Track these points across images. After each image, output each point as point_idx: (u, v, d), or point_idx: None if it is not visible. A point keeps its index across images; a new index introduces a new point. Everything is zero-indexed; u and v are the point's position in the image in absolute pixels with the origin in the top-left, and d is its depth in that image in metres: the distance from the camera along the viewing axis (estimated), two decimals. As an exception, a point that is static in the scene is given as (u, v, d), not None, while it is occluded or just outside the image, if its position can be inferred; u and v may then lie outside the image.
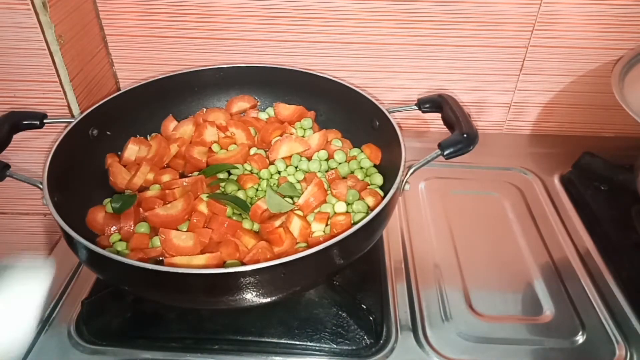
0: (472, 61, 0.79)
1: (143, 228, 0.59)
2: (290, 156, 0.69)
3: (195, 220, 0.59)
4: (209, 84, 0.75)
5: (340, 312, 0.57)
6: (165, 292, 0.51)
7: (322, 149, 0.70)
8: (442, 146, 0.54)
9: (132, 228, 0.59)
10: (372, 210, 0.56)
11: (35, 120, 0.62)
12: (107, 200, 0.63)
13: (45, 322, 0.58)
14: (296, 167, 0.68)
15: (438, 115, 0.62)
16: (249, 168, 0.68)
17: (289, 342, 0.55)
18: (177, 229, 0.59)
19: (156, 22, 0.77)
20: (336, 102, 0.72)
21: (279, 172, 0.68)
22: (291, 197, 0.63)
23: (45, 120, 0.63)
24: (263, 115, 0.76)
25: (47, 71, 0.66)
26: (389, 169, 0.63)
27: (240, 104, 0.77)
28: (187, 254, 0.55)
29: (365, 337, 0.55)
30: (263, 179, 0.66)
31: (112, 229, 0.59)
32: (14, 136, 0.60)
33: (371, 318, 0.56)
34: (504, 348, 0.55)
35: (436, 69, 0.80)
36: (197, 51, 0.80)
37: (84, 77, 0.73)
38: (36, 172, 0.58)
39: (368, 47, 0.78)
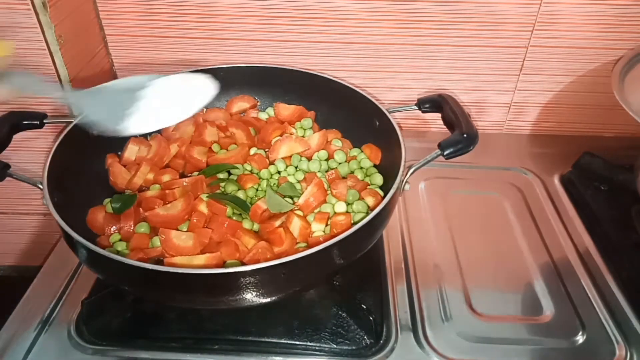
0: (472, 61, 0.79)
1: (143, 228, 0.59)
2: (290, 156, 0.69)
3: (195, 220, 0.59)
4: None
5: (340, 312, 0.57)
6: (165, 292, 0.51)
7: (322, 149, 0.70)
8: (442, 146, 0.54)
9: (132, 228, 0.59)
10: (372, 210, 0.56)
11: (35, 120, 0.62)
12: (107, 200, 0.63)
13: (45, 322, 0.58)
14: (296, 167, 0.68)
15: (438, 115, 0.62)
16: (249, 168, 0.68)
17: (289, 342, 0.55)
18: (177, 229, 0.59)
19: (156, 22, 0.77)
20: (336, 102, 0.72)
21: (279, 172, 0.68)
22: (291, 197, 0.63)
23: (45, 120, 0.63)
24: (263, 115, 0.76)
25: (47, 71, 0.66)
26: (389, 169, 0.63)
27: (240, 104, 0.77)
28: (187, 254, 0.55)
29: (365, 337, 0.55)
30: (263, 179, 0.66)
31: (112, 229, 0.59)
32: (14, 136, 0.60)
33: (371, 318, 0.56)
34: (504, 348, 0.55)
35: (436, 69, 0.80)
36: (197, 51, 0.80)
37: (84, 77, 0.73)
38: (36, 172, 0.58)
39: (368, 47, 0.78)
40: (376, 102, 0.66)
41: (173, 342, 0.56)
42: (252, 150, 0.71)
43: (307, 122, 0.73)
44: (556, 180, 0.78)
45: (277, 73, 0.75)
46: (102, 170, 0.67)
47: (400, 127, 0.61)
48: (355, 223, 0.58)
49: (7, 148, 0.59)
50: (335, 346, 0.55)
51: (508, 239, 0.68)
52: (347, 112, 0.71)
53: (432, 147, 0.55)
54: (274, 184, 0.66)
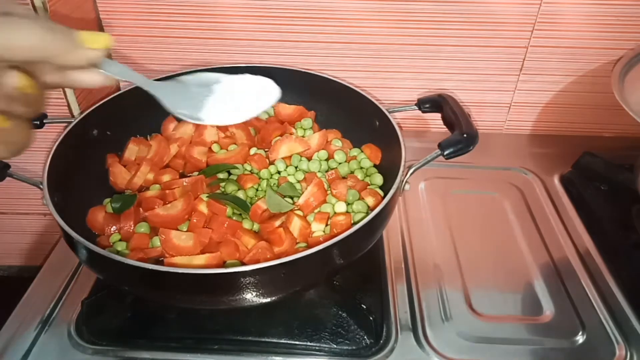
0: (472, 61, 0.79)
1: (143, 228, 0.59)
2: (290, 156, 0.69)
3: (195, 220, 0.59)
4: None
5: (340, 312, 0.57)
6: (165, 292, 0.51)
7: (322, 149, 0.70)
8: (442, 146, 0.54)
9: (132, 228, 0.59)
10: (372, 210, 0.56)
11: (35, 120, 0.62)
12: (107, 200, 0.63)
13: (45, 322, 0.58)
14: (296, 167, 0.68)
15: (438, 115, 0.62)
16: (249, 168, 0.68)
17: (289, 342, 0.55)
18: (177, 229, 0.59)
19: (156, 22, 0.77)
20: (336, 102, 0.72)
21: (279, 172, 0.68)
22: (291, 197, 0.63)
23: (45, 120, 0.63)
24: (263, 115, 0.76)
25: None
26: (389, 169, 0.63)
27: (240, 104, 0.77)
28: (187, 254, 0.55)
29: (365, 337, 0.55)
30: (263, 179, 0.66)
31: (112, 229, 0.59)
32: (14, 136, 0.60)
33: (371, 318, 0.56)
34: (504, 348, 0.55)
35: (436, 69, 0.80)
36: (197, 51, 0.80)
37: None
38: (36, 172, 0.58)
39: (368, 47, 0.78)
40: (376, 102, 0.66)
41: (173, 342, 0.56)
42: (252, 150, 0.71)
43: (307, 122, 0.73)
44: (556, 180, 0.78)
45: (277, 73, 0.74)
46: (102, 170, 0.67)
47: (400, 127, 0.61)
48: (355, 223, 0.58)
49: (7, 148, 0.58)
50: (335, 346, 0.55)
51: (508, 239, 0.68)
52: (347, 112, 0.71)
53: (432, 147, 0.55)
54: (274, 184, 0.66)
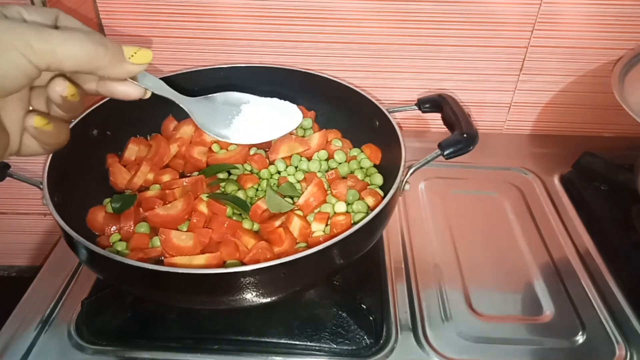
0: (472, 61, 0.79)
1: (143, 228, 0.59)
2: (290, 156, 0.69)
3: (195, 220, 0.59)
4: (209, 84, 0.75)
5: (340, 312, 0.57)
6: (165, 292, 0.51)
7: (322, 149, 0.70)
8: (442, 146, 0.54)
9: (132, 228, 0.59)
10: (372, 210, 0.56)
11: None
12: (107, 200, 0.63)
13: (45, 322, 0.58)
14: (296, 167, 0.68)
15: (438, 115, 0.62)
16: (249, 168, 0.68)
17: (289, 342, 0.55)
18: (177, 229, 0.59)
19: (156, 22, 0.77)
20: (336, 102, 0.72)
21: (279, 172, 0.68)
22: (291, 197, 0.63)
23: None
24: (263, 115, 0.76)
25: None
26: (389, 169, 0.63)
27: (240, 104, 0.77)
28: (187, 254, 0.55)
29: (365, 337, 0.55)
30: (263, 179, 0.66)
31: (112, 229, 0.59)
32: (14, 136, 0.60)
33: (371, 318, 0.56)
34: (504, 348, 0.55)
35: (436, 69, 0.80)
36: (197, 51, 0.80)
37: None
38: (36, 172, 0.58)
39: (368, 47, 0.78)
40: (376, 102, 0.66)
41: (173, 342, 0.56)
42: (252, 150, 0.71)
43: (307, 122, 0.73)
44: (556, 180, 0.78)
45: (277, 73, 0.75)
46: (102, 170, 0.67)
47: (400, 127, 0.61)
48: (355, 223, 0.58)
49: (7, 148, 0.58)
50: (335, 346, 0.55)
51: (508, 239, 0.68)
52: (347, 112, 0.71)
53: (432, 147, 0.55)
54: (274, 184, 0.66)
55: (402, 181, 0.55)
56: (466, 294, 0.61)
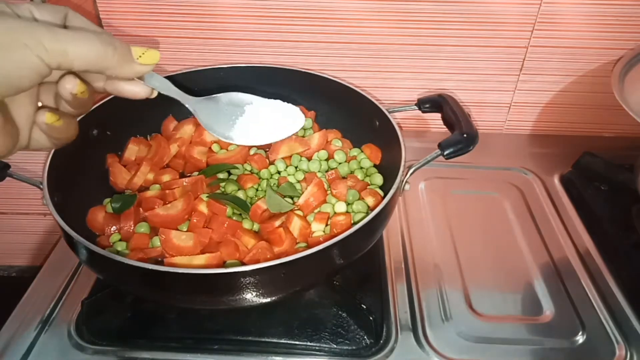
0: (472, 61, 0.79)
1: (143, 228, 0.59)
2: (290, 156, 0.69)
3: (195, 220, 0.59)
4: (209, 84, 0.75)
5: (340, 312, 0.57)
6: (165, 292, 0.51)
7: (322, 149, 0.70)
8: (442, 146, 0.54)
9: (132, 228, 0.59)
10: (372, 210, 0.56)
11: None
12: (107, 200, 0.63)
13: (45, 322, 0.58)
14: (296, 167, 0.68)
15: (438, 115, 0.62)
16: (249, 168, 0.68)
17: (289, 342, 0.55)
18: (177, 229, 0.59)
19: (156, 22, 0.77)
20: (336, 102, 0.72)
21: (279, 172, 0.68)
22: (291, 197, 0.63)
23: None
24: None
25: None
26: (389, 169, 0.63)
27: (240, 104, 0.77)
28: (187, 254, 0.55)
29: (365, 337, 0.55)
30: (263, 179, 0.66)
31: (112, 229, 0.59)
32: (14, 136, 0.60)
33: (371, 318, 0.56)
34: (504, 348, 0.55)
35: (436, 69, 0.80)
36: (197, 51, 0.80)
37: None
38: (36, 172, 0.58)
39: (368, 47, 0.78)
40: (376, 102, 0.66)
41: (173, 342, 0.56)
42: (252, 150, 0.71)
43: (307, 122, 0.73)
44: (556, 180, 0.78)
45: (277, 73, 0.74)
46: (102, 170, 0.67)
47: (400, 127, 0.61)
48: (355, 223, 0.58)
49: (7, 148, 0.58)
50: (335, 346, 0.55)
51: (508, 239, 0.68)
52: (347, 112, 0.71)
53: (432, 147, 0.55)
54: (274, 184, 0.66)
55: (402, 181, 0.55)
56: (466, 294, 0.61)
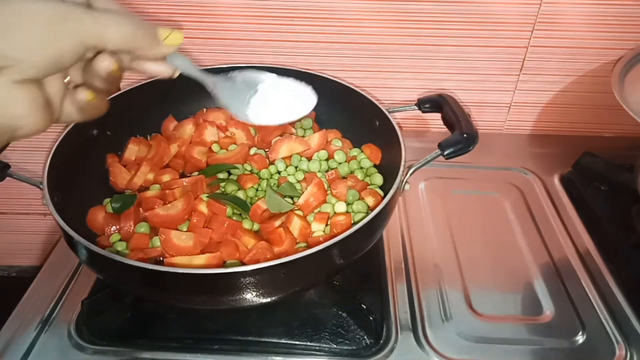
0: (472, 61, 0.79)
1: (143, 228, 0.59)
2: (290, 156, 0.69)
3: (195, 220, 0.59)
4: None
5: (340, 312, 0.57)
6: (165, 292, 0.51)
7: (322, 149, 0.70)
8: (442, 146, 0.54)
9: (132, 228, 0.59)
10: (372, 210, 0.56)
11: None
12: (107, 200, 0.63)
13: (45, 322, 0.58)
14: (296, 167, 0.68)
15: (438, 115, 0.62)
16: (249, 168, 0.68)
17: (289, 342, 0.55)
18: (177, 229, 0.59)
19: (156, 22, 0.77)
20: (336, 102, 0.72)
21: (279, 172, 0.68)
22: (291, 197, 0.63)
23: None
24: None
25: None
26: (389, 169, 0.63)
27: (240, 104, 0.77)
28: (187, 254, 0.55)
29: (365, 337, 0.55)
30: (263, 179, 0.66)
31: (112, 229, 0.59)
32: (14, 136, 0.60)
33: (371, 318, 0.56)
34: (504, 348, 0.55)
35: (436, 69, 0.80)
36: (197, 51, 0.80)
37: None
38: (36, 172, 0.58)
39: (368, 47, 0.78)
40: (376, 102, 0.66)
41: (173, 342, 0.56)
42: (252, 150, 0.71)
43: (307, 122, 0.73)
44: (556, 180, 0.78)
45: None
46: (102, 170, 0.67)
47: (400, 127, 0.61)
48: (355, 223, 0.58)
49: (7, 148, 0.59)
50: (335, 346, 0.55)
51: (508, 239, 0.68)
52: (347, 112, 0.71)
53: (432, 147, 0.55)
54: (274, 184, 0.66)
55: (402, 181, 0.55)
56: (466, 294, 0.61)
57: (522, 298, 0.61)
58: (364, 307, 0.57)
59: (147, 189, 0.65)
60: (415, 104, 0.65)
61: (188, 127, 0.73)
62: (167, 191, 0.62)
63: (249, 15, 0.76)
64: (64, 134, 0.61)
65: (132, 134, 0.71)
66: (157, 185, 0.65)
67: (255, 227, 0.60)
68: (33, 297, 0.61)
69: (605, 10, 0.73)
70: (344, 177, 0.66)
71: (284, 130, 0.72)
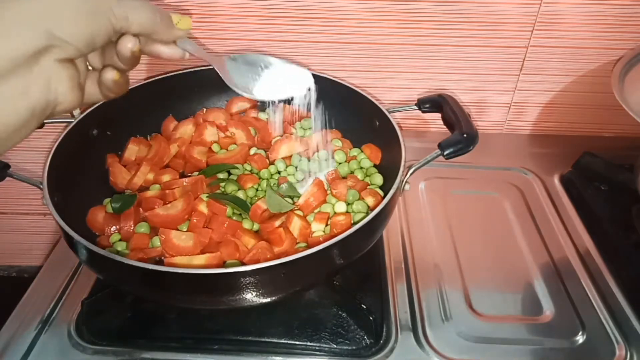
0: (472, 61, 0.79)
1: (143, 228, 0.59)
2: (290, 156, 0.69)
3: (195, 220, 0.59)
4: (209, 84, 0.75)
5: (340, 312, 0.57)
6: (165, 292, 0.51)
7: (322, 149, 0.70)
8: (442, 146, 0.54)
9: (132, 228, 0.59)
10: (372, 210, 0.56)
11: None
12: (107, 200, 0.63)
13: (45, 322, 0.58)
14: (296, 167, 0.68)
15: (438, 115, 0.62)
16: (249, 168, 0.68)
17: (289, 342, 0.55)
18: (177, 229, 0.59)
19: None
20: (336, 102, 0.72)
21: (279, 172, 0.68)
22: (291, 197, 0.63)
23: (45, 120, 0.63)
24: (263, 115, 0.76)
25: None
26: (389, 169, 0.63)
27: (240, 104, 0.77)
28: (187, 254, 0.55)
29: (365, 337, 0.55)
30: (263, 179, 0.66)
31: (112, 229, 0.59)
32: (14, 136, 0.60)
33: (371, 318, 0.56)
34: (504, 348, 0.55)
35: (436, 69, 0.80)
36: (197, 51, 0.80)
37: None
38: (36, 172, 0.58)
39: (368, 47, 0.78)
40: (376, 102, 0.66)
41: (173, 342, 0.56)
42: (252, 150, 0.71)
43: (307, 122, 0.73)
44: (556, 180, 0.78)
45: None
46: (102, 170, 0.67)
47: (400, 127, 0.61)
48: (355, 223, 0.58)
49: (7, 148, 0.59)
50: (335, 346, 0.55)
51: (508, 239, 0.68)
52: (347, 112, 0.71)
53: (432, 147, 0.55)
54: (274, 184, 0.66)
55: (402, 181, 0.55)
56: (466, 294, 0.61)
57: (522, 298, 0.61)
58: (364, 307, 0.57)
59: (147, 189, 0.65)
60: (415, 104, 0.65)
61: (188, 127, 0.73)
62: (167, 191, 0.62)
63: (249, 15, 0.76)
64: (64, 134, 0.61)
65: (132, 134, 0.71)
66: (157, 185, 0.65)
67: (255, 227, 0.60)
68: (33, 297, 0.61)
69: (605, 10, 0.73)
70: (344, 177, 0.66)
71: (283, 130, 0.72)
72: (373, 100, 0.66)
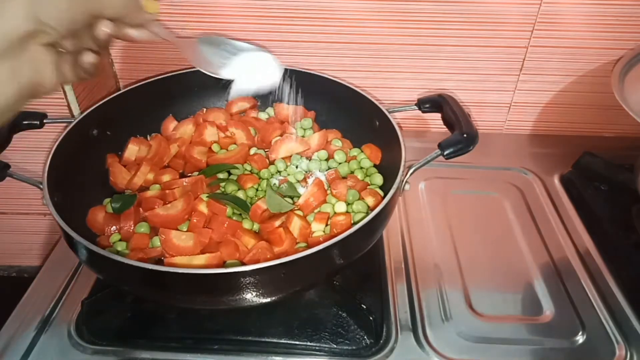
0: (472, 61, 0.79)
1: (143, 228, 0.59)
2: (290, 156, 0.69)
3: (195, 220, 0.59)
4: (209, 84, 0.75)
5: (340, 312, 0.57)
6: (165, 292, 0.51)
7: (322, 149, 0.70)
8: (442, 146, 0.54)
9: (132, 228, 0.59)
10: (372, 210, 0.56)
11: (35, 120, 0.62)
12: (107, 200, 0.63)
13: (45, 322, 0.58)
14: (296, 167, 0.68)
15: (438, 115, 0.62)
16: (249, 168, 0.68)
17: (289, 342, 0.55)
18: (177, 229, 0.59)
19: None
20: (336, 102, 0.72)
21: (279, 172, 0.68)
22: (291, 197, 0.63)
23: (45, 120, 0.63)
24: (263, 115, 0.76)
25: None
26: (389, 169, 0.63)
27: (240, 104, 0.77)
28: (187, 254, 0.55)
29: (365, 337, 0.55)
30: (263, 179, 0.66)
31: (112, 229, 0.59)
32: (14, 136, 0.60)
33: (371, 318, 0.56)
34: (504, 348, 0.55)
35: (436, 69, 0.80)
36: (197, 51, 0.80)
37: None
38: (36, 172, 0.58)
39: (368, 47, 0.78)
40: (376, 102, 0.66)
41: (173, 342, 0.56)
42: (252, 150, 0.71)
43: (307, 122, 0.73)
44: (556, 180, 0.78)
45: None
46: (102, 170, 0.67)
47: (400, 127, 0.61)
48: (355, 223, 0.58)
49: (7, 148, 0.59)
50: (335, 346, 0.55)
51: (508, 239, 0.68)
52: (347, 112, 0.71)
53: (432, 147, 0.55)
54: (274, 183, 0.66)
55: (402, 181, 0.55)
56: (466, 294, 0.61)
57: (522, 298, 0.61)
58: (364, 307, 0.57)
59: (147, 189, 0.65)
60: (415, 104, 0.65)
61: (188, 127, 0.73)
62: (167, 191, 0.62)
63: (249, 15, 0.76)
64: (64, 134, 0.61)
65: (132, 134, 0.71)
66: (157, 185, 0.65)
67: (255, 227, 0.60)
68: (33, 297, 0.61)
69: (605, 10, 0.73)
70: (344, 177, 0.66)
71: (284, 130, 0.72)
72: (373, 100, 0.66)
